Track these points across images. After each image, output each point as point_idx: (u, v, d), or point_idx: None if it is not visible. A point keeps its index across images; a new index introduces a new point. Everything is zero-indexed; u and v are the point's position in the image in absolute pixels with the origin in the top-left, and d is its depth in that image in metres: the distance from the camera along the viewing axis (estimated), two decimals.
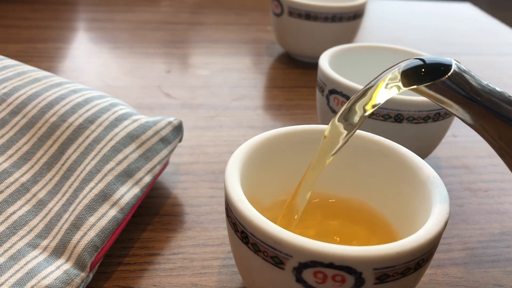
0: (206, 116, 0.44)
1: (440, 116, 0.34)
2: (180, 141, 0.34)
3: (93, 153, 0.29)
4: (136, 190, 0.29)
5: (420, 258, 0.21)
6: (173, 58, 0.56)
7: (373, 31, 0.70)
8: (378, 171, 0.27)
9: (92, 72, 0.51)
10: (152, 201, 0.33)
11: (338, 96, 0.35)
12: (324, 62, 0.37)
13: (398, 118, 0.33)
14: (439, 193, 0.23)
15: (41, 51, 0.55)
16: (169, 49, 0.59)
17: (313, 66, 0.56)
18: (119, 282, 0.27)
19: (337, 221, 0.28)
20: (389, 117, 0.33)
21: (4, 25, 0.61)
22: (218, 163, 0.38)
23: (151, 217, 0.32)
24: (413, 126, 0.33)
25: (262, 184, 0.27)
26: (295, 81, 0.52)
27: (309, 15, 0.52)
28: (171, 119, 0.33)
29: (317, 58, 0.56)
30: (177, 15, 0.70)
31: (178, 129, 0.33)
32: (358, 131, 0.27)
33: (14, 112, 0.31)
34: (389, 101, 0.33)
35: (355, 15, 0.54)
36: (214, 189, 0.35)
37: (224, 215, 0.32)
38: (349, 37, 0.55)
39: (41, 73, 0.35)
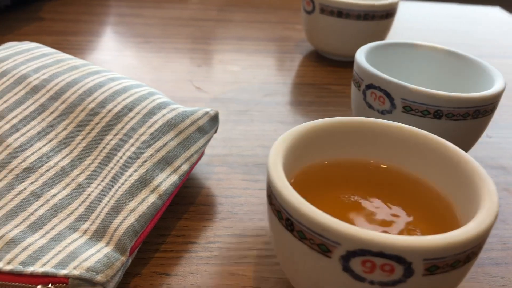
0: (237, 110, 0.44)
1: (480, 114, 0.33)
2: (215, 132, 0.34)
3: (132, 139, 0.29)
4: (174, 177, 0.29)
5: (470, 251, 0.20)
6: (202, 54, 0.56)
7: (402, 32, 0.69)
8: (423, 164, 0.27)
9: (122, 66, 0.52)
10: (187, 190, 0.33)
11: (375, 91, 0.34)
12: (361, 57, 0.37)
13: (437, 114, 0.33)
14: (487, 187, 0.23)
15: (73, 44, 0.56)
16: (198, 44, 0.59)
17: (343, 64, 0.55)
18: (156, 268, 0.27)
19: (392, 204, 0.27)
20: (428, 113, 0.33)
21: (38, 18, 0.62)
22: (250, 156, 0.38)
23: (187, 206, 0.32)
24: (451, 123, 0.33)
25: (303, 173, 0.26)
26: (325, 79, 0.52)
27: (341, 12, 0.52)
28: (208, 109, 0.33)
29: (348, 56, 0.56)
30: (206, 12, 0.70)
31: (214, 120, 0.33)
32: (400, 125, 0.27)
33: (54, 98, 0.32)
34: (429, 97, 0.32)
35: (388, 13, 0.53)
36: (247, 181, 0.35)
37: (259, 207, 0.32)
38: (380, 36, 0.54)
39: (79, 61, 0.36)
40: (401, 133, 0.27)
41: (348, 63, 0.56)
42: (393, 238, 0.19)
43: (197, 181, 0.34)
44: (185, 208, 0.32)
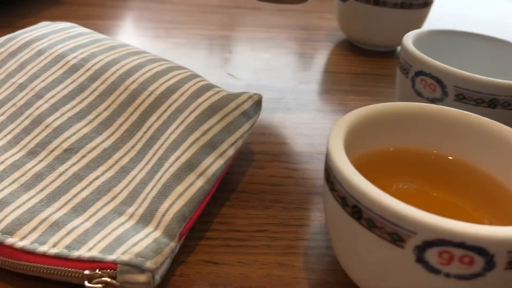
0: (272, 98, 0.43)
1: None
2: (258, 117, 0.32)
3: (177, 122, 0.28)
4: (220, 162, 0.28)
5: None
6: (232, 41, 0.55)
7: (436, 23, 0.67)
8: (490, 156, 0.25)
9: (151, 51, 0.50)
10: (228, 177, 0.32)
11: (426, 78, 0.33)
12: (409, 43, 0.35)
13: (492, 103, 0.31)
14: None
15: (100, 28, 0.54)
16: (227, 31, 0.57)
17: (377, 54, 0.54)
18: (203, 256, 0.26)
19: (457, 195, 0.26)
20: (482, 101, 0.31)
21: (64, 2, 0.61)
22: (290, 145, 0.36)
23: (229, 193, 0.31)
24: (507, 113, 0.31)
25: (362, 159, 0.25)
26: (360, 68, 0.50)
27: (378, 0, 0.50)
28: (251, 93, 0.32)
29: (382, 46, 0.54)
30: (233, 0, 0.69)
31: (258, 104, 0.32)
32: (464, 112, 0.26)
33: (93, 78, 0.31)
34: (484, 85, 0.31)
35: (425, 2, 0.52)
36: (289, 169, 0.33)
37: (303, 196, 0.31)
38: (417, 26, 0.53)
39: (116, 41, 0.34)
40: (467, 121, 0.26)
41: (382, 53, 0.55)
42: (477, 228, 0.18)
43: (238, 168, 0.33)
44: (227, 195, 0.31)
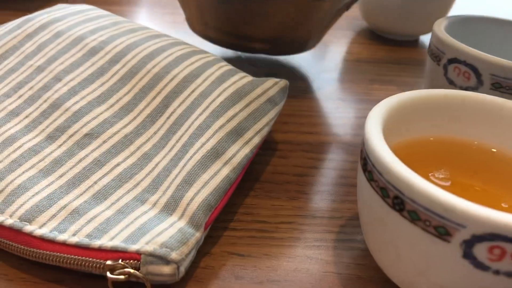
0: (294, 86, 0.41)
1: None
2: (283, 104, 0.31)
3: (201, 107, 0.27)
4: (246, 150, 0.26)
5: None
6: None
7: (459, 12, 0.65)
8: None
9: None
10: (251, 166, 0.31)
11: (460, 66, 0.31)
12: (441, 29, 0.34)
13: None
14: None
15: (116, 14, 0.53)
16: None
17: (400, 43, 0.52)
18: (228, 248, 0.25)
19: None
20: None
21: None
22: (314, 134, 0.35)
23: (252, 182, 0.29)
24: None
25: (399, 148, 0.24)
26: (384, 57, 0.49)
27: None
28: (277, 79, 0.30)
29: (405, 35, 0.53)
30: None
31: (284, 91, 0.30)
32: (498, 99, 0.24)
33: (113, 61, 0.29)
34: None
35: None
36: (314, 160, 0.32)
37: (330, 188, 0.30)
38: (442, 14, 0.51)
39: (136, 24, 0.33)
40: (511, 111, 0.24)
41: (405, 42, 0.53)
42: None
43: (261, 157, 0.32)
44: (250, 185, 0.29)
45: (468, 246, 0.18)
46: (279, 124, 0.36)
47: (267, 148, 0.33)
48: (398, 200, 0.19)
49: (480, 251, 0.17)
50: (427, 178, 0.23)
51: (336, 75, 0.44)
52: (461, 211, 0.17)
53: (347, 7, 0.39)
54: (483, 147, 0.25)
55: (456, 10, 0.66)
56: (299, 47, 0.40)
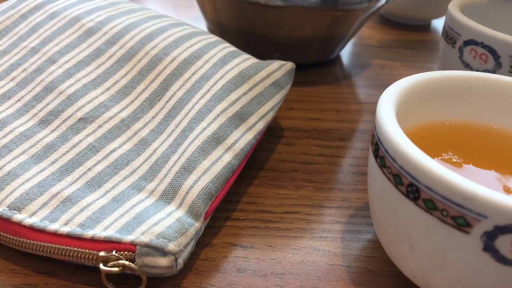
0: (301, 70, 0.40)
1: None
2: (289, 87, 0.30)
3: (202, 91, 0.26)
4: (250, 136, 0.25)
5: None
6: None
7: None
8: None
9: None
10: (255, 153, 0.29)
11: (476, 48, 0.29)
12: (456, 10, 0.32)
13: None
14: None
15: None
16: None
17: (410, 28, 0.50)
18: (229, 239, 0.23)
19: None
20: None
21: None
22: (321, 120, 0.33)
23: (256, 171, 0.28)
24: None
25: (414, 132, 0.22)
26: (394, 42, 0.47)
27: None
28: (283, 62, 0.29)
29: (416, 19, 0.51)
30: None
31: (290, 74, 0.29)
32: None
33: (110, 42, 0.28)
34: None
35: None
36: (321, 147, 0.31)
37: (339, 176, 0.28)
38: None
39: (135, 5, 0.32)
40: None
41: (416, 26, 0.51)
42: None
43: (265, 144, 0.30)
44: (254, 173, 0.28)
45: (489, 238, 0.16)
46: (285, 110, 0.34)
47: (272, 135, 0.31)
48: (413, 188, 0.17)
49: (503, 243, 0.16)
50: (445, 165, 0.22)
51: (345, 59, 0.42)
52: (482, 200, 0.16)
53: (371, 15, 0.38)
54: (502, 131, 0.23)
55: None
56: (325, 56, 0.39)
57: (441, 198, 0.16)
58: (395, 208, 0.19)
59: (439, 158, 0.21)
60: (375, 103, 0.36)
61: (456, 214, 0.16)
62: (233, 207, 0.25)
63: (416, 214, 0.18)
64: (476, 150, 0.22)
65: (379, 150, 0.19)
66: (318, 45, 0.37)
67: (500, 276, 0.17)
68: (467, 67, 0.30)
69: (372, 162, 0.20)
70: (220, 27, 0.38)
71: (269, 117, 0.26)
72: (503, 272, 0.16)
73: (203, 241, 0.23)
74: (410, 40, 0.48)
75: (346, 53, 0.44)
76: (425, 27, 0.51)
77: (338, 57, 0.43)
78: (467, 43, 0.30)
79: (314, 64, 0.41)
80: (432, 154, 0.22)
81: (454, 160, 0.21)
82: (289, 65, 0.29)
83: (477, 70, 0.30)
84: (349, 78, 0.39)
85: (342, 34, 0.37)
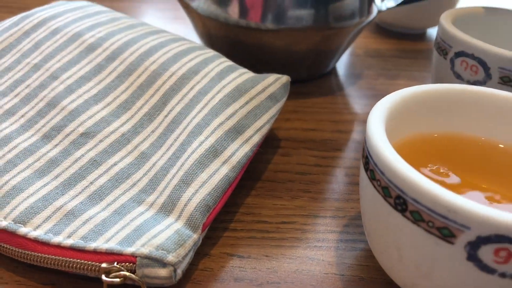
0: (298, 83, 0.41)
1: None
2: (285, 100, 0.30)
3: (200, 105, 0.26)
4: (246, 148, 0.26)
5: None
6: None
7: (468, 4, 0.64)
8: None
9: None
10: (253, 165, 0.30)
11: (467, 59, 0.30)
12: (448, 22, 0.33)
13: None
14: None
15: (117, 9, 0.53)
16: None
17: (406, 37, 0.51)
18: (226, 249, 0.24)
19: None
20: None
21: None
22: (317, 131, 0.34)
23: (254, 181, 0.29)
24: None
25: (403, 145, 0.23)
26: (389, 51, 0.48)
27: None
28: (279, 75, 0.30)
29: (412, 28, 0.52)
30: None
31: (285, 87, 0.30)
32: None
33: (111, 58, 0.29)
34: None
35: None
36: (317, 157, 0.31)
37: (334, 186, 0.29)
38: (450, 6, 0.50)
39: (134, 20, 0.33)
40: None
41: (412, 35, 0.52)
42: None
43: (263, 155, 0.31)
44: (251, 184, 0.29)
45: (472, 248, 0.17)
46: (282, 121, 0.35)
47: (269, 146, 0.32)
48: (401, 200, 0.18)
49: (486, 253, 0.17)
50: (433, 178, 0.22)
51: (341, 70, 0.43)
52: (465, 212, 0.16)
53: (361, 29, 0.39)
54: (490, 142, 0.24)
55: (465, 1, 0.65)
56: (320, 71, 0.40)
57: (427, 210, 0.17)
58: (385, 219, 0.19)
59: (427, 169, 0.22)
60: None
61: (441, 225, 0.17)
62: (231, 217, 0.26)
63: (404, 225, 0.18)
64: (463, 161, 0.23)
65: (369, 163, 0.20)
66: (311, 61, 0.38)
67: (484, 284, 0.17)
68: (459, 78, 0.31)
69: (363, 174, 0.21)
70: (214, 47, 0.39)
71: (265, 130, 0.27)
72: (486, 280, 0.17)
73: (202, 251, 0.24)
74: (406, 49, 0.48)
75: (342, 64, 0.45)
76: (421, 36, 0.52)
77: (334, 68, 0.44)
78: (458, 54, 0.31)
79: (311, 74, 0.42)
80: (420, 165, 0.23)
81: (441, 170, 0.22)
82: (284, 79, 0.30)
83: (468, 81, 0.31)
84: (345, 89, 0.40)
85: (335, 49, 0.38)
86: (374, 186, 0.20)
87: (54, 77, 0.28)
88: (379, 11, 0.39)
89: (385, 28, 0.53)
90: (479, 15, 0.36)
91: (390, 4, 0.40)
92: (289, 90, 0.39)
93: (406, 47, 0.49)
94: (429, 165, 0.23)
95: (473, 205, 0.16)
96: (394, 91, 0.40)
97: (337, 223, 0.26)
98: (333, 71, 0.43)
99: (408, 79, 0.42)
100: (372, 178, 0.20)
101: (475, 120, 0.24)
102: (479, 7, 0.36)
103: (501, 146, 0.24)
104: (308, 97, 0.38)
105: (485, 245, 0.17)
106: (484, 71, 0.30)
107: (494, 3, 0.66)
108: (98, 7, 0.34)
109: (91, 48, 0.29)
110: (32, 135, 0.25)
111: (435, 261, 0.18)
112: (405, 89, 0.23)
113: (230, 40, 0.37)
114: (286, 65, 0.38)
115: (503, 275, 0.17)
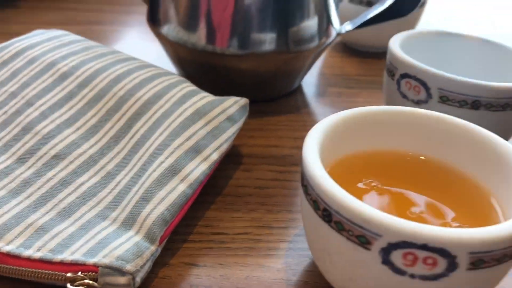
0: (263, 102, 0.43)
1: None
2: (244, 121, 0.33)
3: (162, 128, 0.29)
4: (204, 166, 0.28)
5: None
6: None
7: (433, 22, 0.67)
8: (464, 155, 0.26)
9: (152, 55, 0.51)
10: (215, 181, 0.33)
11: (410, 80, 0.33)
12: (395, 45, 0.35)
13: (475, 105, 0.31)
14: None
15: (98, 33, 0.55)
16: None
17: (372, 55, 0.54)
18: (185, 259, 0.27)
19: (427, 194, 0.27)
20: (466, 103, 0.31)
21: (62, 8, 0.62)
22: (278, 147, 0.37)
23: (214, 196, 0.31)
24: (490, 114, 0.32)
25: (339, 163, 0.26)
26: (354, 70, 0.51)
27: (371, 2, 0.51)
28: (238, 98, 0.32)
29: (376, 47, 0.55)
30: None
31: (244, 109, 0.32)
32: (441, 115, 0.26)
33: (82, 85, 0.31)
34: (467, 87, 0.31)
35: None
36: (275, 172, 0.34)
37: (289, 199, 0.31)
38: (411, 26, 0.53)
39: (106, 48, 0.35)
40: (441, 123, 0.26)
41: (377, 54, 0.55)
42: (438, 230, 0.18)
43: (225, 171, 0.34)
44: (212, 198, 0.31)
45: (385, 253, 0.19)
46: (246, 138, 0.38)
47: (232, 162, 0.35)
48: (327, 212, 0.21)
49: (396, 257, 0.19)
50: (356, 189, 0.25)
51: (307, 88, 0.46)
52: (377, 222, 0.19)
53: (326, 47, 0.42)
54: (415, 156, 0.27)
55: (424, 22, 0.68)
56: (284, 90, 0.43)
57: (347, 220, 0.20)
58: (317, 229, 0.22)
59: (361, 183, 0.25)
60: None
61: (359, 233, 0.20)
62: (191, 230, 0.29)
63: (330, 234, 0.21)
64: (391, 173, 0.26)
65: (304, 179, 0.23)
66: (276, 82, 0.41)
67: (398, 285, 0.20)
68: (405, 97, 0.34)
69: (300, 189, 0.24)
70: (184, 69, 0.41)
71: (223, 149, 0.30)
72: (400, 281, 0.20)
73: (161, 261, 0.26)
74: (370, 67, 0.51)
75: (308, 82, 0.47)
76: (385, 54, 0.55)
77: (300, 87, 0.46)
78: (403, 76, 0.34)
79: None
80: (357, 180, 0.25)
81: (373, 184, 0.25)
82: (242, 101, 0.32)
83: (413, 100, 0.33)
84: (309, 107, 0.43)
85: (298, 70, 0.41)
86: (307, 200, 0.22)
87: (29, 103, 0.30)
88: (338, 34, 0.42)
89: (351, 47, 0.56)
90: (427, 38, 0.39)
91: (348, 28, 0.43)
92: (256, 109, 0.41)
93: (371, 65, 0.52)
94: (363, 180, 0.25)
95: (384, 215, 0.19)
96: (352, 107, 0.43)
97: (289, 233, 0.29)
98: (299, 89, 0.46)
99: (368, 96, 0.45)
100: (306, 192, 0.22)
101: (403, 137, 0.27)
102: (427, 31, 0.39)
103: (422, 158, 0.26)
104: (273, 115, 0.41)
105: (395, 250, 0.19)
106: (426, 91, 0.32)
107: (447, 26, 0.69)
108: (73, 37, 0.36)
109: (64, 76, 0.32)
110: (8, 158, 0.28)
111: (357, 265, 0.21)
112: (339, 112, 0.26)
113: (198, 64, 0.39)
114: (252, 86, 0.41)
115: (412, 276, 0.19)
